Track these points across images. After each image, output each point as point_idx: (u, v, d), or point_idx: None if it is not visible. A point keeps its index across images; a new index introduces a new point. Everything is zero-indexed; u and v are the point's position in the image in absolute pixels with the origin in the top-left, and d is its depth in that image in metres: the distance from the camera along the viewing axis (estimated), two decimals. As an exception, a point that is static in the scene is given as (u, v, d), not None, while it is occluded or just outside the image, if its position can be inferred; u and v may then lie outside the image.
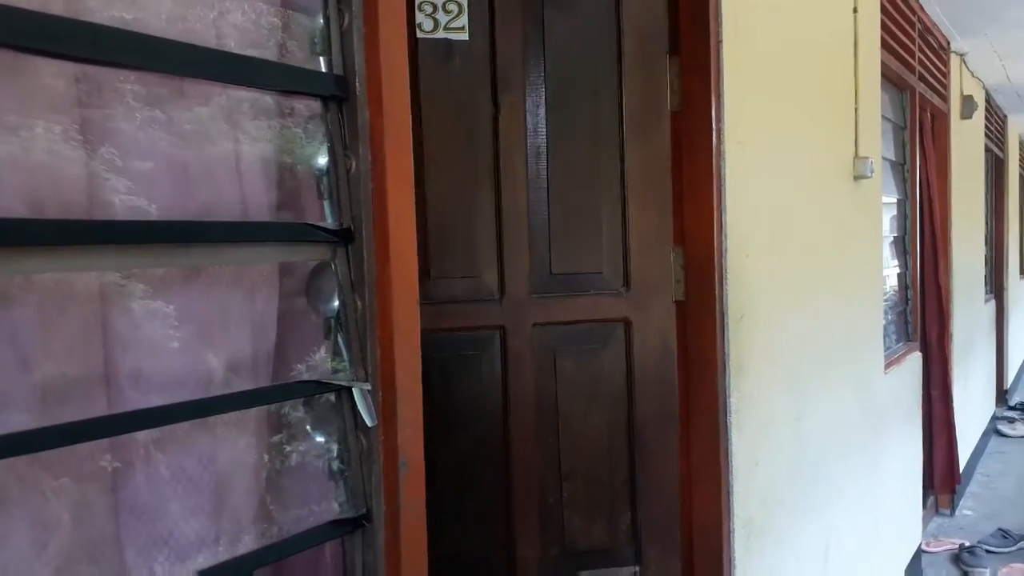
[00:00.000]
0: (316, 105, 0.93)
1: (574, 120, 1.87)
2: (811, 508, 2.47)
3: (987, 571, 3.87)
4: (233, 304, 0.91)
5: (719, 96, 1.84)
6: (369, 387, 0.96)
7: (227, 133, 0.87)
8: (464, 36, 1.57)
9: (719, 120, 1.84)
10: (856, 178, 2.92)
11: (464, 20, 1.55)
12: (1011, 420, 6.74)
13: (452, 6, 1.56)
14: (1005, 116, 7.20)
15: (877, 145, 3.25)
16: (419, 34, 1.55)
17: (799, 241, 2.43)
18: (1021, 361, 8.77)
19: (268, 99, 0.90)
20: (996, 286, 6.97)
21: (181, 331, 0.83)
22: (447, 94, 1.73)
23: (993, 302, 6.81)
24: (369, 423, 0.96)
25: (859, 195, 3.00)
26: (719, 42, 1.83)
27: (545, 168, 1.87)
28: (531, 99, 1.78)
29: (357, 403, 0.96)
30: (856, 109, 2.89)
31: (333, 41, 0.90)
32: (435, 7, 1.56)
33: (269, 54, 0.89)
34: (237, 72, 0.84)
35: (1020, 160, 8.65)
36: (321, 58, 0.91)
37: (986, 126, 6.11)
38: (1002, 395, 7.20)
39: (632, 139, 1.85)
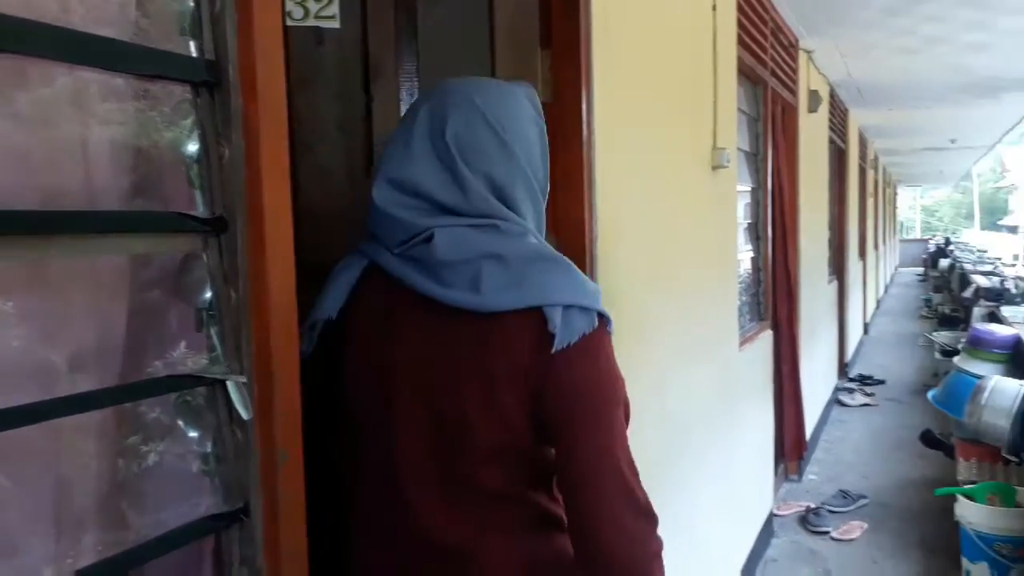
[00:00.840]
0: (181, 89, 0.90)
1: (448, 108, 1.87)
2: (677, 481, 2.62)
3: (829, 529, 4.23)
4: (84, 298, 0.86)
5: (589, 88, 1.90)
6: (244, 380, 0.94)
7: (75, 117, 0.82)
8: (335, 24, 1.54)
9: (589, 112, 1.90)
10: (714, 168, 3.08)
11: (335, 8, 1.52)
12: (851, 391, 7.34)
13: (323, -7, 1.53)
14: (847, 110, 7.77)
15: (733, 136, 3.44)
16: (288, 22, 1.50)
17: (662, 227, 2.55)
18: (859, 336, 9.53)
19: (121, 82, 0.85)
20: (838, 268, 7.54)
21: (23, 328, 0.78)
22: (319, 82, 1.70)
23: (836, 283, 7.36)
24: (245, 416, 0.94)
25: (717, 184, 3.17)
26: (589, 36, 1.89)
27: (420, 156, 1.87)
28: (405, 88, 1.77)
29: (232, 396, 0.94)
30: (715, 102, 3.05)
31: (204, 25, 0.87)
32: (305, -6, 1.52)
33: (121, 32, 0.84)
34: (103, 56, 0.80)
35: (859, 151, 9.36)
36: (191, 42, 0.88)
37: (830, 119, 6.57)
38: (843, 368, 7.81)
39: (505, 128, 1.88)
